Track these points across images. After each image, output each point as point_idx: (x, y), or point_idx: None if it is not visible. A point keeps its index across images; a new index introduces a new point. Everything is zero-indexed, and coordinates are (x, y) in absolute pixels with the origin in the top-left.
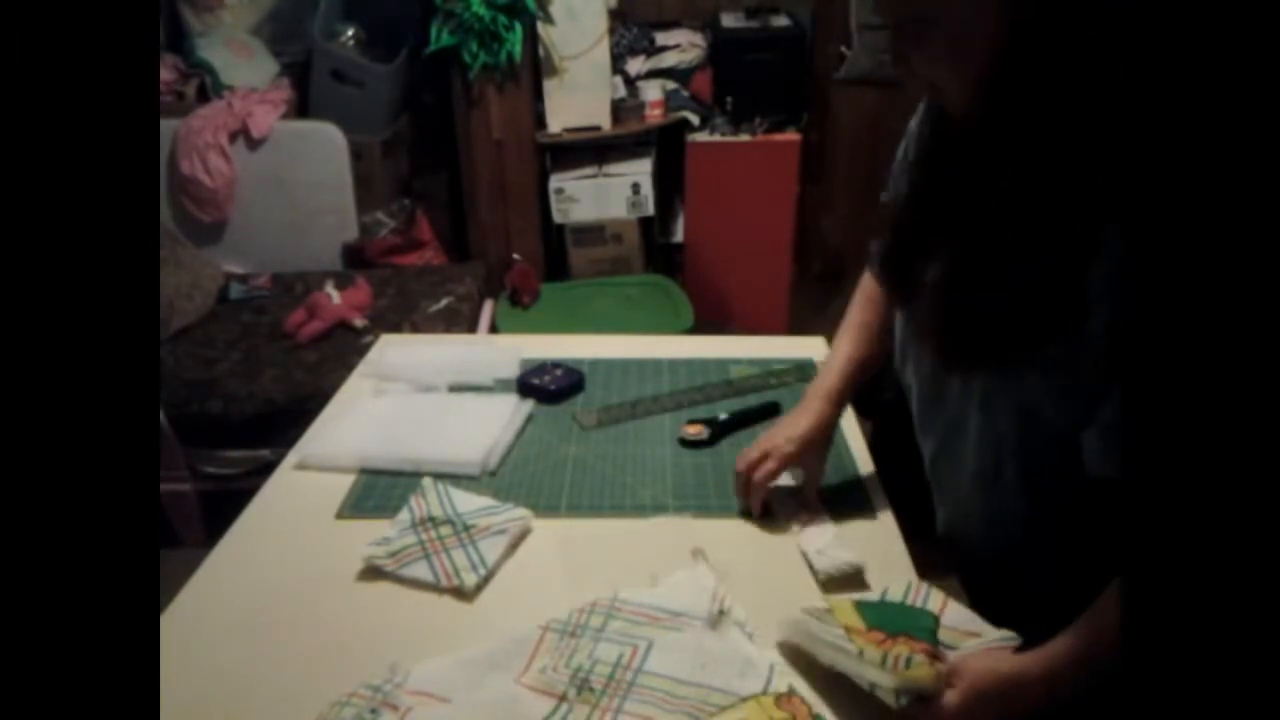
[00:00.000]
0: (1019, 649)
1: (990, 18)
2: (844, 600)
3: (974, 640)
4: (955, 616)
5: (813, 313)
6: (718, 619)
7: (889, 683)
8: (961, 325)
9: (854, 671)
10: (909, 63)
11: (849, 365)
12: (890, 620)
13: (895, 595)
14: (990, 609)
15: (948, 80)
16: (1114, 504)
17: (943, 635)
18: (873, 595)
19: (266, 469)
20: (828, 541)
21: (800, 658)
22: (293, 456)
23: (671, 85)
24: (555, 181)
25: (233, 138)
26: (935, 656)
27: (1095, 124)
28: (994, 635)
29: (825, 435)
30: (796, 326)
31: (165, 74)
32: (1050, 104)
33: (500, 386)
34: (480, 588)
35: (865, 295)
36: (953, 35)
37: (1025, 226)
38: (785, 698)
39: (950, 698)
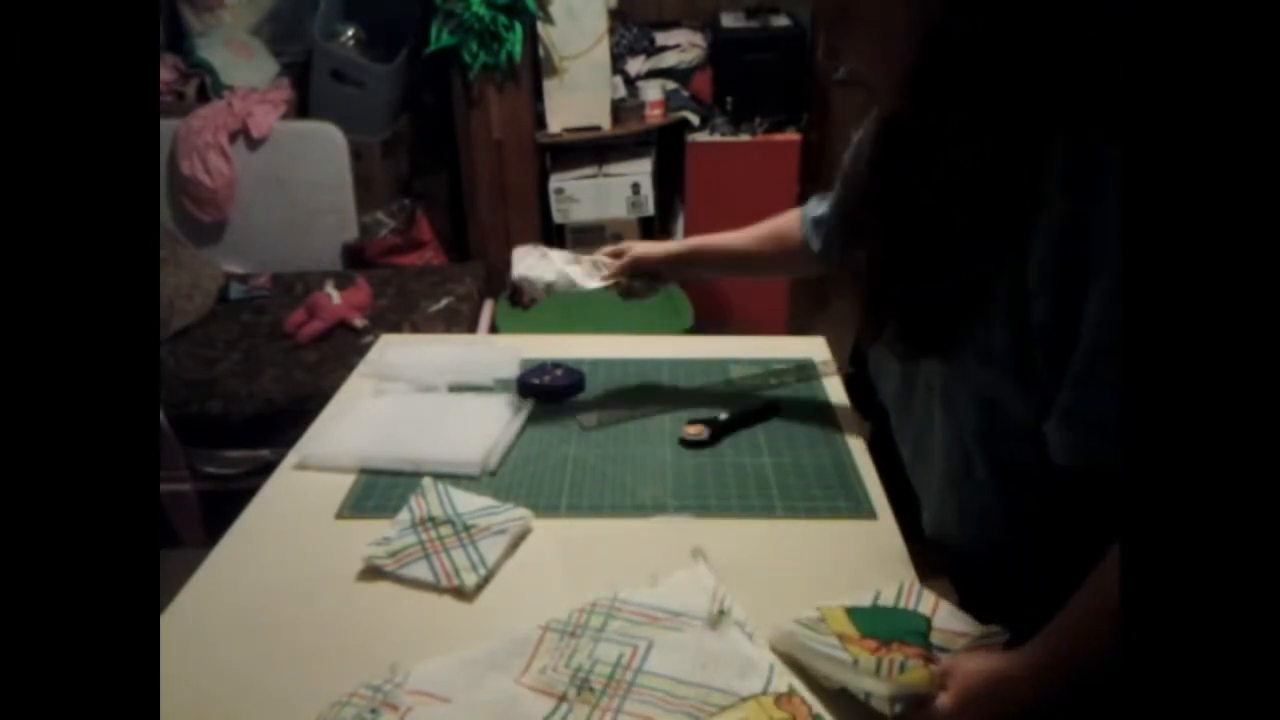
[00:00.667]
0: (1009, 645)
1: (903, 12)
2: (836, 608)
3: (965, 640)
4: (946, 618)
5: (813, 313)
6: (718, 619)
7: (884, 691)
8: (886, 306)
9: (849, 682)
10: (838, 56)
11: (717, 240)
12: (883, 626)
13: (887, 599)
14: (980, 607)
15: (872, 72)
16: (1083, 492)
17: (935, 638)
18: (865, 600)
19: (266, 469)
20: (550, 265)
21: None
22: (293, 456)
23: (671, 85)
24: (555, 181)
25: (233, 138)
26: (929, 660)
27: (1016, 115)
28: (980, 632)
29: (652, 259)
30: (796, 326)
31: (165, 74)
32: (968, 96)
33: (500, 386)
34: (480, 588)
35: (772, 222)
36: (870, 27)
37: (954, 216)
38: (785, 698)
39: (943, 700)
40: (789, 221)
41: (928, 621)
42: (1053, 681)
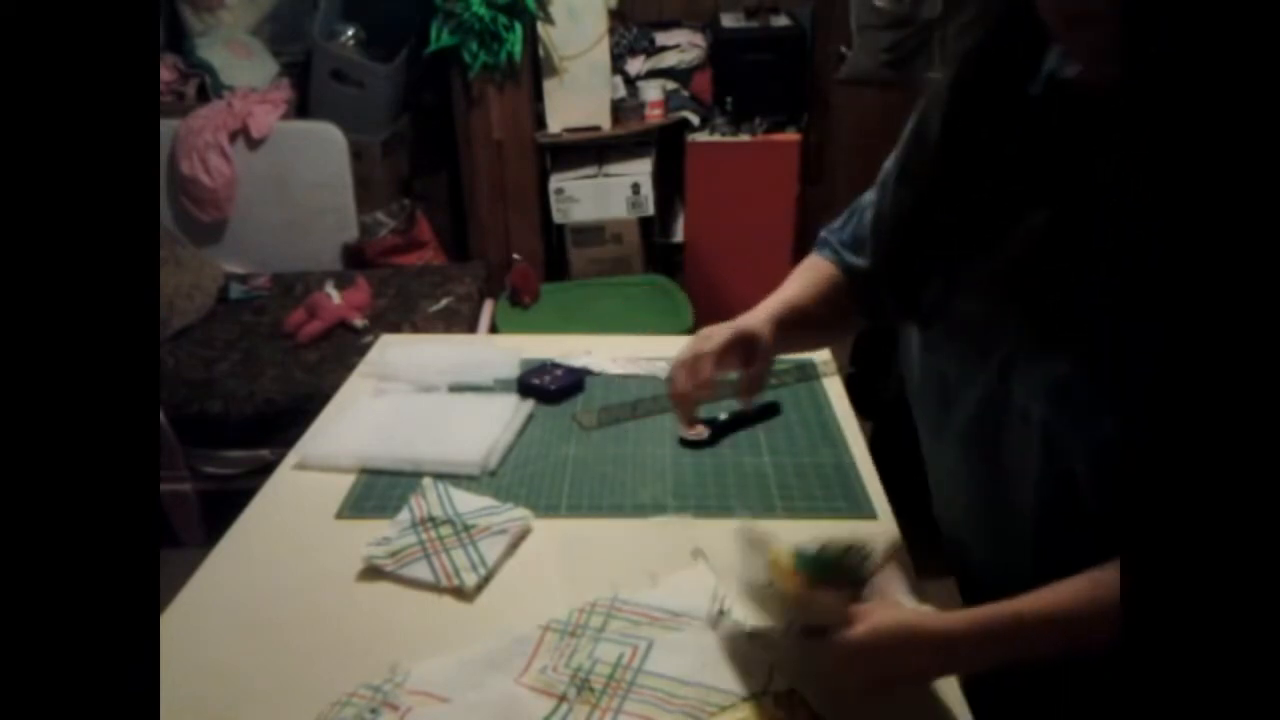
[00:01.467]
0: None
1: None
2: (785, 545)
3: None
4: (889, 581)
5: None
6: (718, 619)
7: (786, 610)
8: (1055, 288)
9: (756, 599)
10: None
11: (792, 302)
12: (820, 570)
13: (835, 551)
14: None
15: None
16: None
17: (869, 596)
18: (812, 548)
19: (266, 469)
20: None
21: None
22: (293, 456)
23: (671, 85)
24: (555, 181)
25: (233, 138)
26: (849, 601)
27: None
28: (912, 606)
29: (747, 339)
30: None
31: (165, 74)
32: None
33: (500, 386)
34: (480, 588)
35: (806, 268)
36: None
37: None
38: (785, 697)
39: (846, 635)
40: (810, 268)
41: (866, 579)
42: (959, 657)
